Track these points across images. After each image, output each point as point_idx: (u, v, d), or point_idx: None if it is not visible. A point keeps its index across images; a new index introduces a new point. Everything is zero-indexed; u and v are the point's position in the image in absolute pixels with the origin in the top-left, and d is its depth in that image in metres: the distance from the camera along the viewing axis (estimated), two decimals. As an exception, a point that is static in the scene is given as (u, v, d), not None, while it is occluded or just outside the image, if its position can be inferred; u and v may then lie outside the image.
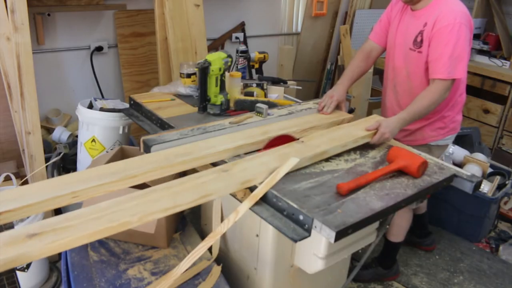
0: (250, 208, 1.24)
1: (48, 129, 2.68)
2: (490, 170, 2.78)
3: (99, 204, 1.07)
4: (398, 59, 1.91)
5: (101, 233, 1.00)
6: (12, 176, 2.09)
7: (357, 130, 1.66)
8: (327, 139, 1.57)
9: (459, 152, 2.84)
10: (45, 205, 1.07)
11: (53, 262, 2.17)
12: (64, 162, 2.43)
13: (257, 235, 1.56)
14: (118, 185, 1.20)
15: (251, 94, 2.10)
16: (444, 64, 1.70)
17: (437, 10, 1.73)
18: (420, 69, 1.82)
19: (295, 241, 1.15)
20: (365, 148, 1.64)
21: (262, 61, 2.64)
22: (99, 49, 2.81)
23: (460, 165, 2.77)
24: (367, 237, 1.56)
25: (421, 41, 1.78)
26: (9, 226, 1.06)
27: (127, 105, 2.21)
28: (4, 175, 2.12)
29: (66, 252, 1.59)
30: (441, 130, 1.95)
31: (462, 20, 1.69)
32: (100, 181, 1.17)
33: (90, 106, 2.34)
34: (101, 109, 2.23)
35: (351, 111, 2.00)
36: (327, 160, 1.52)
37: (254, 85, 2.14)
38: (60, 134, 2.52)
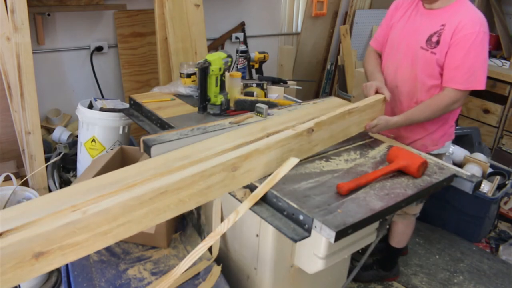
0: (250, 208, 1.24)
1: (48, 129, 2.68)
2: (490, 170, 2.78)
3: (106, 209, 1.05)
4: (404, 58, 1.82)
5: (106, 245, 1.02)
6: (12, 176, 2.10)
7: (355, 127, 1.66)
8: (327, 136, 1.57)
9: (459, 152, 2.84)
10: (46, 221, 1.08)
11: (53, 262, 2.17)
12: (64, 162, 2.44)
13: (257, 235, 1.56)
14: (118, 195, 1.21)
15: (251, 94, 2.10)
16: (463, 74, 1.65)
17: (459, 14, 1.67)
18: (429, 70, 1.74)
19: (295, 241, 1.15)
20: (365, 148, 1.64)
21: (262, 61, 2.64)
22: (99, 49, 2.81)
23: (460, 165, 2.77)
24: (367, 237, 1.56)
25: (437, 42, 1.70)
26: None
27: (127, 105, 2.21)
28: (4, 175, 2.12)
29: (66, 252, 1.58)
30: (441, 138, 1.91)
31: (486, 30, 1.65)
32: (100, 192, 1.16)
33: (90, 106, 2.34)
34: (101, 109, 2.23)
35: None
36: (327, 160, 1.52)
37: (254, 85, 2.14)
38: (60, 134, 2.52)
